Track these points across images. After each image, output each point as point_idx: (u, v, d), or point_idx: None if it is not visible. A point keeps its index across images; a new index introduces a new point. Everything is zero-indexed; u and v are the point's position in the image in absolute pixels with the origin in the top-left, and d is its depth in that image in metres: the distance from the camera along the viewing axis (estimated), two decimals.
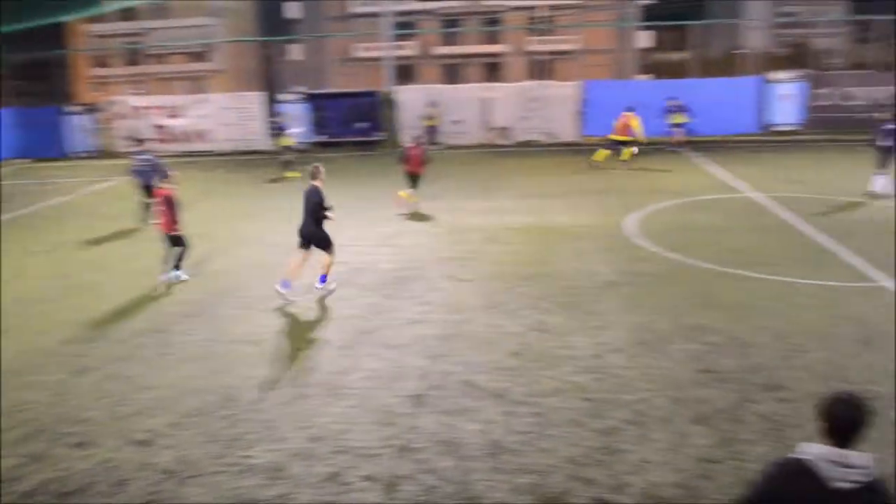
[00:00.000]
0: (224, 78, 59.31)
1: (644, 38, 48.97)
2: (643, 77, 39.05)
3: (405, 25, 47.96)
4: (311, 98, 27.21)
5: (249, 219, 15.78)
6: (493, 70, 52.04)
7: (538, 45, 50.87)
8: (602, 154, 20.98)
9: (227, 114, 27.38)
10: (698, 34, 29.68)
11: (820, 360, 7.84)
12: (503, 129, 25.98)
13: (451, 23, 52.87)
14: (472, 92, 27.34)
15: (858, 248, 11.92)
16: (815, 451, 2.92)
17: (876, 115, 16.43)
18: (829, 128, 24.99)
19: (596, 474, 5.82)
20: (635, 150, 20.79)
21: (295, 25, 57.53)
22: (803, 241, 12.55)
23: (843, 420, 2.91)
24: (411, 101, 26.39)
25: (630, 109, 20.84)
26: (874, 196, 15.78)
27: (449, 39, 52.13)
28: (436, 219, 15.03)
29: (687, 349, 8.14)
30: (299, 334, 9.06)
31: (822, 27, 49.06)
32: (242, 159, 25.65)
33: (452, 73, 38.86)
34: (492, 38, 54.07)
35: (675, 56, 47.00)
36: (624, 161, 20.54)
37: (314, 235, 10.19)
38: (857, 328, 8.67)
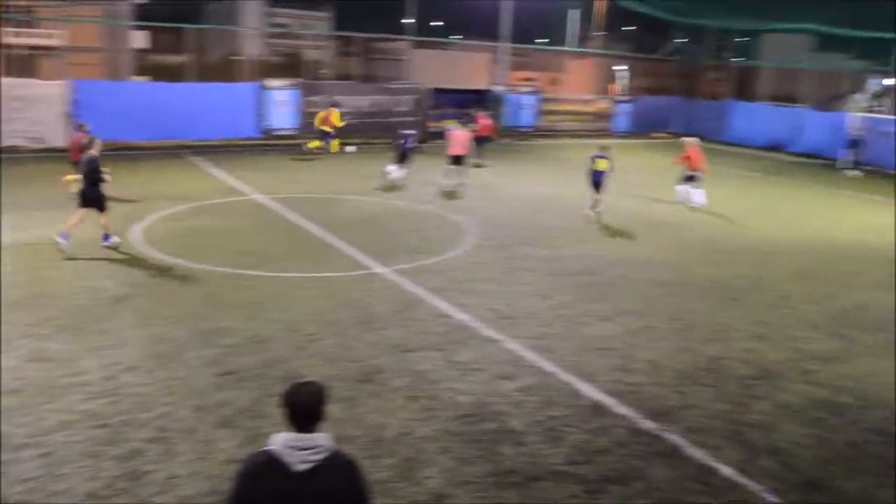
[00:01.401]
0: None
1: (139, 38, 46.98)
2: (140, 79, 37.45)
3: None
4: None
5: None
6: None
7: (15, 38, 45.14)
8: (315, 143, 23.74)
9: None
10: (196, 38, 29.54)
11: (330, 345, 8.48)
12: None
13: None
14: None
15: (353, 240, 13.21)
16: (279, 439, 3.11)
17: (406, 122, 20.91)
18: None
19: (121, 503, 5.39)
20: (350, 149, 24.74)
21: None
22: (306, 238, 13.44)
23: (300, 406, 3.14)
24: None
25: (333, 105, 24.31)
26: (390, 182, 18.86)
27: None
28: None
29: (205, 355, 8.04)
30: None
31: (311, 40, 52.96)
32: None
33: None
34: None
35: (173, 59, 46.16)
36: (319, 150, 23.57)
37: (91, 196, 11.70)
38: (357, 312, 9.60)
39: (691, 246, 14.29)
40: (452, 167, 18.60)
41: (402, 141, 19.47)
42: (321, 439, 3.12)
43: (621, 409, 7.31)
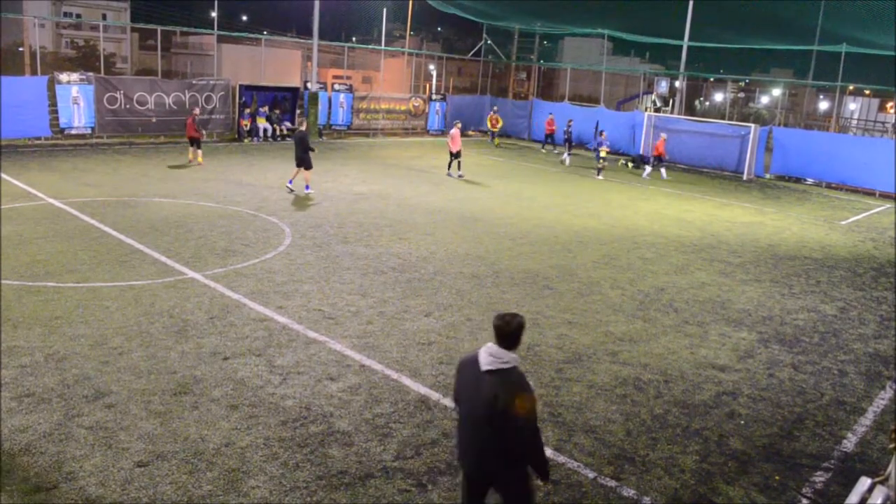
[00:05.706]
0: None
1: None
2: None
3: None
4: None
5: None
6: None
7: None
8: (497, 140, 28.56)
9: None
10: None
11: (141, 357, 7.96)
12: None
13: None
14: None
15: (160, 245, 12.49)
16: (484, 348, 4.40)
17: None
18: (120, 131, 25.43)
19: None
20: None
21: None
22: (108, 244, 12.48)
23: (497, 328, 4.38)
24: None
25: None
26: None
27: None
28: None
29: None
30: None
31: (108, 31, 49.44)
32: None
33: None
34: None
35: None
36: None
37: (303, 160, 17.85)
38: (169, 321, 9.08)
39: (503, 239, 14.85)
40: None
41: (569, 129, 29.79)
42: (509, 356, 4.35)
43: (446, 401, 7.45)
